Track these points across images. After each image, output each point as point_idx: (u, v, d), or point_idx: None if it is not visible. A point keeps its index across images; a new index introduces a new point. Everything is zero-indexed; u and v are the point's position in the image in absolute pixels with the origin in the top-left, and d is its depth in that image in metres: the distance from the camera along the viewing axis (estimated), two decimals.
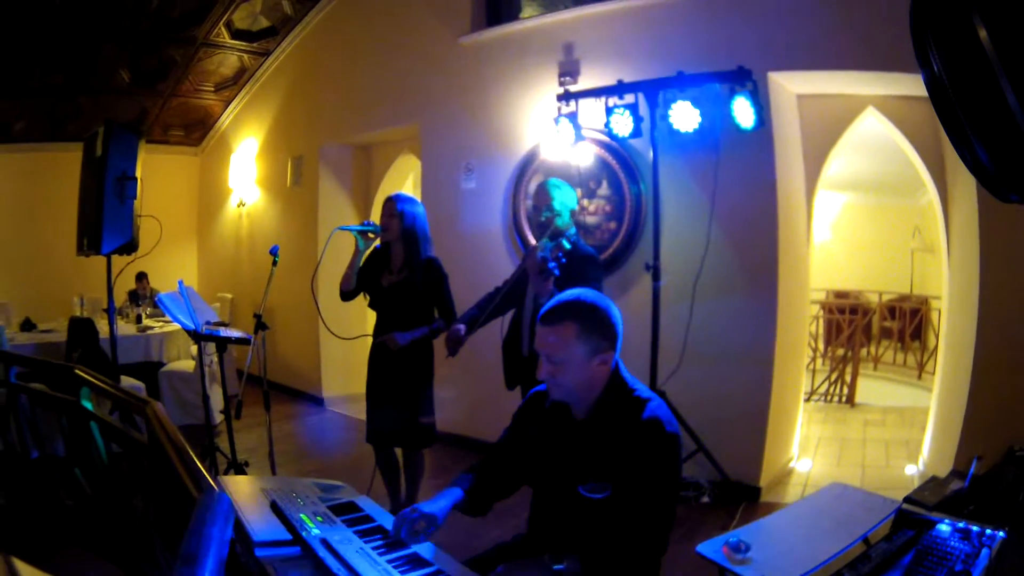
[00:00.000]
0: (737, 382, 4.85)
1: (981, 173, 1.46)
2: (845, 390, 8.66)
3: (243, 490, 2.12)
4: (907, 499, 2.37)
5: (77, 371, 2.45)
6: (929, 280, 11.09)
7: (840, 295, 11.59)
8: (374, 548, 1.84)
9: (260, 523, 1.83)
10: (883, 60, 4.28)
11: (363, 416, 7.10)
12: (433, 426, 4.11)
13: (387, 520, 2.06)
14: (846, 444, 6.25)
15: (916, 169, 5.41)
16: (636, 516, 1.93)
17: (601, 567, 1.90)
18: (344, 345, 4.19)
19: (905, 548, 2.16)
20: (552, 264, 3.20)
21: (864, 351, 9.90)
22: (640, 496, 1.93)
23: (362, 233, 3.95)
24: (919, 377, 9.36)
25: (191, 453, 1.62)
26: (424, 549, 1.92)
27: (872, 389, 9.03)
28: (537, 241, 3.81)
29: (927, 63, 1.49)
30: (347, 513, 2.08)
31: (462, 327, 3.77)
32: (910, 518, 2.36)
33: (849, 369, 8.77)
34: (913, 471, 5.32)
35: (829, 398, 8.84)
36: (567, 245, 3.44)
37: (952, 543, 2.18)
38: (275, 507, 1.74)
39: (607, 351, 2.04)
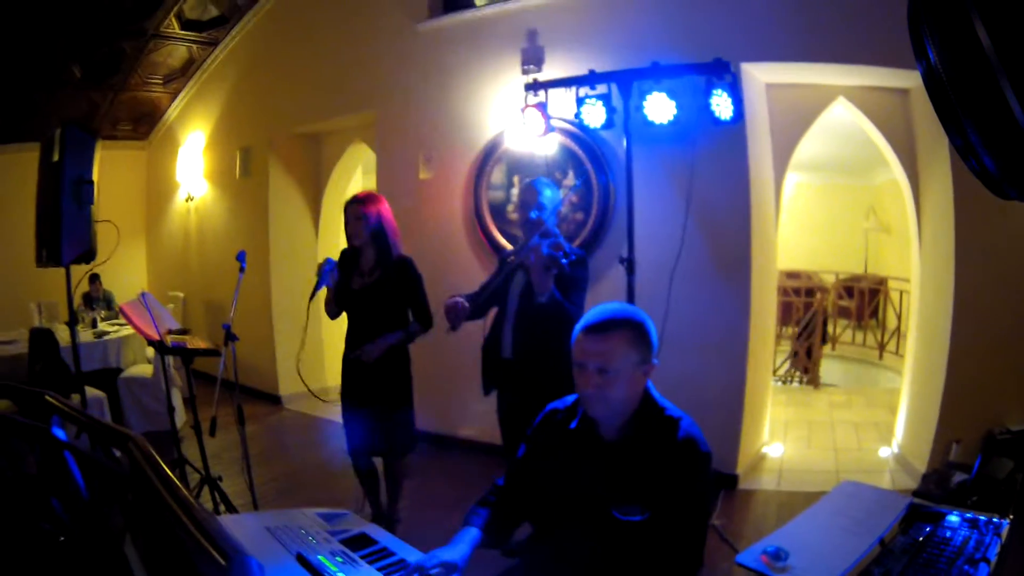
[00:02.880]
0: (713, 371, 4.86)
1: (980, 171, 1.42)
2: (807, 371, 8.76)
3: (247, 533, 2.00)
4: (916, 492, 2.41)
5: (48, 397, 2.30)
6: (884, 260, 11.24)
7: (791, 275, 11.69)
8: None
9: (278, 573, 1.72)
10: (854, 53, 4.32)
11: (322, 414, 7.08)
12: (413, 432, 4.03)
13: (405, 551, 1.97)
14: (814, 427, 6.32)
15: (881, 152, 5.46)
16: (677, 537, 1.90)
17: None
18: (299, 343, 4.06)
19: (922, 541, 2.21)
20: (564, 261, 3.20)
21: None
22: (680, 517, 1.91)
23: (330, 274, 3.79)
24: (880, 357, 9.48)
25: (193, 501, 1.48)
26: None
27: (833, 370, 9.16)
28: (523, 240, 3.73)
29: (923, 56, 1.44)
30: (363, 547, 1.98)
31: (460, 299, 3.62)
32: (921, 511, 2.42)
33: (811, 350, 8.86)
34: (887, 453, 5.40)
35: (790, 379, 8.94)
36: (564, 243, 3.42)
37: (963, 533, 2.24)
38: (302, 559, 1.63)
39: (649, 362, 2.01)
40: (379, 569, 1.84)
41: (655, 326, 2.06)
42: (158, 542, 1.50)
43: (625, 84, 4.24)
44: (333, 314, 3.96)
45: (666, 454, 1.95)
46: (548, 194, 3.75)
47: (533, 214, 3.70)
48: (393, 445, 3.95)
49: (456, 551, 1.93)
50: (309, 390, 4.08)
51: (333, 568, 1.78)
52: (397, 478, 4.09)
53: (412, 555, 1.94)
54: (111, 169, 8.66)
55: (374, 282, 3.82)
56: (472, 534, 2.04)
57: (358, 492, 4.20)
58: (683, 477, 1.92)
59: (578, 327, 2.03)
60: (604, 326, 1.98)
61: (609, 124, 4.39)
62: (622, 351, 1.95)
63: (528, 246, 3.46)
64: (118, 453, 1.81)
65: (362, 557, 1.91)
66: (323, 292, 3.87)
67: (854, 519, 2.40)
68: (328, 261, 3.82)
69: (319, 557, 1.84)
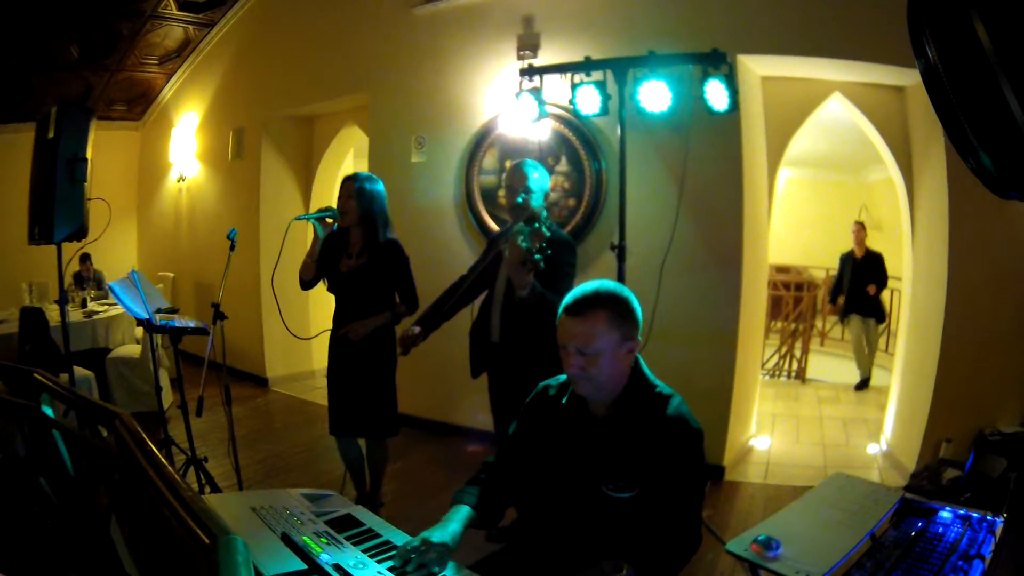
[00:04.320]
0: (702, 360, 4.85)
1: (979, 170, 1.42)
2: (795, 365, 8.77)
3: (232, 512, 1.99)
4: (908, 487, 2.40)
5: (36, 375, 2.27)
6: None
7: (781, 270, 11.69)
8: (390, 570, 1.73)
9: (262, 552, 1.70)
10: (852, 49, 4.31)
11: (308, 396, 7.08)
12: (396, 415, 4.00)
13: (391, 533, 1.96)
14: (802, 422, 6.34)
15: (875, 149, 5.46)
16: (671, 515, 1.91)
17: (647, 567, 1.83)
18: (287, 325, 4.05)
19: (913, 536, 2.23)
20: (537, 256, 3.03)
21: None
22: (672, 494, 1.91)
23: (320, 219, 3.78)
24: None
25: (179, 479, 1.46)
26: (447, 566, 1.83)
27: (821, 365, 9.15)
28: (511, 223, 3.69)
29: (923, 54, 1.44)
30: (348, 528, 1.97)
31: (418, 328, 3.68)
32: (913, 506, 2.43)
33: (799, 345, 8.88)
34: (875, 450, 5.42)
35: (778, 373, 8.96)
36: (547, 232, 3.21)
37: (956, 529, 2.26)
38: (286, 539, 1.61)
39: (633, 339, 2.01)
40: (364, 551, 1.83)
41: (642, 307, 2.05)
42: (143, 521, 1.49)
43: (620, 71, 4.21)
44: (307, 282, 3.93)
45: (656, 430, 1.95)
46: (535, 176, 3.68)
47: (520, 198, 3.63)
48: (374, 426, 3.94)
49: (447, 531, 1.90)
50: (281, 314, 4.02)
51: (318, 548, 1.76)
52: (379, 461, 4.10)
53: (398, 537, 1.93)
54: (104, 149, 8.60)
55: (362, 265, 3.81)
56: (463, 512, 2.02)
57: (344, 474, 4.20)
58: (673, 453, 1.92)
59: (560, 308, 2.03)
60: (581, 308, 1.98)
61: (603, 111, 4.37)
62: (601, 331, 1.95)
63: (507, 234, 3.40)
64: (105, 433, 1.80)
65: (347, 538, 1.89)
66: (300, 254, 3.86)
67: (845, 511, 2.40)
68: (329, 208, 3.83)
69: (304, 537, 1.82)
